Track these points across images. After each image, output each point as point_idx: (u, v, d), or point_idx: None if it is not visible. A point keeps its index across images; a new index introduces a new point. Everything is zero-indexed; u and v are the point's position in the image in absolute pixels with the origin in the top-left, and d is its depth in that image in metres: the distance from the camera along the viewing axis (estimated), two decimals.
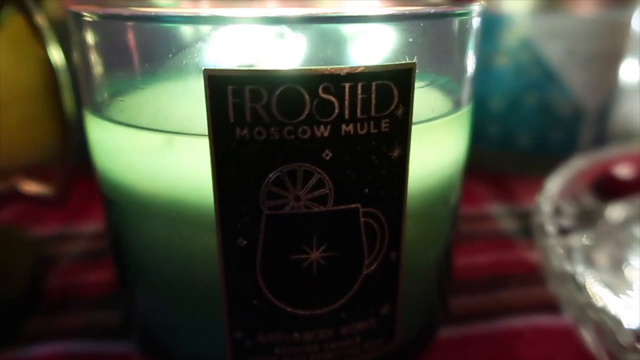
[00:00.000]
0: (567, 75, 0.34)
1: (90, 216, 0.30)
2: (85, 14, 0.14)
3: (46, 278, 0.24)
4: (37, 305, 0.22)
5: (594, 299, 0.17)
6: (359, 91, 0.13)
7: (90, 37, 0.15)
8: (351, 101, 0.13)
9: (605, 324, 0.17)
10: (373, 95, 0.13)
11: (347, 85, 0.13)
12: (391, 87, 0.13)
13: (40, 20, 0.21)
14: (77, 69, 0.16)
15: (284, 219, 0.14)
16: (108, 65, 0.15)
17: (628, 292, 0.21)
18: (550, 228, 0.22)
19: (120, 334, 0.20)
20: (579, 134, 0.36)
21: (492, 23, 0.34)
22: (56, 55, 0.21)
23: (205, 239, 0.14)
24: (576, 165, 0.28)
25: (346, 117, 0.13)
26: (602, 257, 0.24)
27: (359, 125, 0.13)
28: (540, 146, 0.36)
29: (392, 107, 0.13)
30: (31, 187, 0.23)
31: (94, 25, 0.14)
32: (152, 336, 0.18)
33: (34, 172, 0.24)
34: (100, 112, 0.16)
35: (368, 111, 0.13)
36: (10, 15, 0.21)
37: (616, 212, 0.27)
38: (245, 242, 0.14)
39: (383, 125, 0.13)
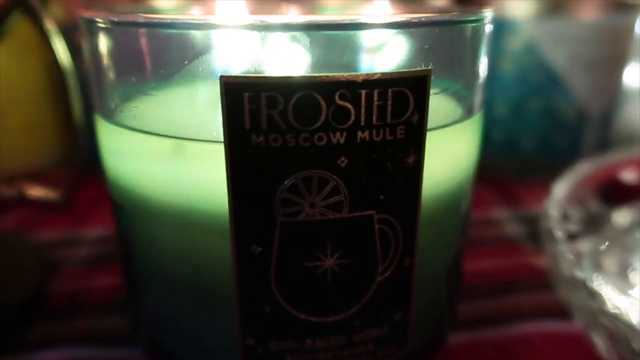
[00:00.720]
0: (571, 80, 0.34)
1: (96, 221, 0.30)
2: (99, 20, 0.14)
3: (52, 283, 0.24)
4: (43, 311, 0.22)
5: (606, 305, 0.17)
6: (375, 98, 0.13)
7: (102, 43, 0.15)
8: (367, 108, 0.13)
9: (619, 330, 0.17)
10: (389, 102, 0.13)
11: (363, 92, 0.13)
12: (407, 94, 0.13)
13: (49, 24, 0.21)
14: (89, 75, 0.16)
15: (298, 226, 0.14)
16: (120, 71, 0.15)
17: (635, 295, 0.21)
18: (559, 234, 0.22)
19: (128, 340, 0.20)
20: (583, 138, 0.36)
21: (497, 28, 0.34)
22: (64, 59, 0.21)
23: (219, 246, 0.14)
24: (582, 170, 0.28)
25: (362, 123, 0.13)
26: (609, 262, 0.24)
27: (374, 132, 0.13)
28: (544, 150, 0.36)
29: (408, 113, 0.13)
30: (37, 192, 0.23)
31: (106, 32, 0.14)
32: (160, 342, 0.18)
33: (40, 176, 0.24)
34: (112, 117, 0.16)
35: (384, 118, 0.13)
36: (19, 20, 0.21)
37: (622, 216, 0.27)
38: (260, 249, 0.14)
39: (399, 131, 0.13)
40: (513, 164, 0.36)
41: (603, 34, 0.34)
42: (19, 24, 0.21)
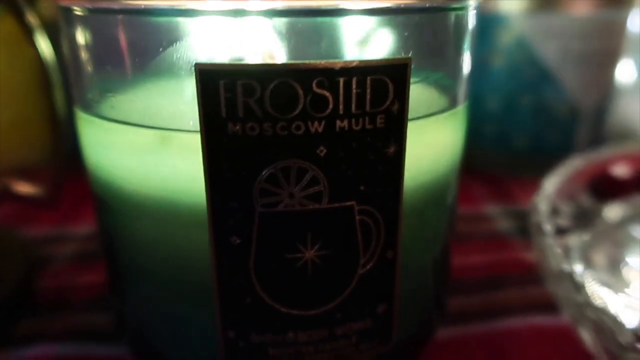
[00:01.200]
0: (563, 75, 0.34)
1: (83, 217, 0.30)
2: (75, 8, 0.14)
3: (38, 279, 0.24)
4: (29, 307, 0.22)
5: (593, 299, 0.17)
6: (354, 86, 0.13)
7: (80, 33, 0.14)
8: (346, 96, 0.13)
9: (605, 324, 0.16)
10: (368, 90, 0.13)
11: (341, 79, 0.12)
12: (386, 82, 0.13)
13: (32, 19, 0.20)
14: (68, 66, 0.16)
15: (277, 217, 0.14)
16: (98, 61, 0.15)
17: (626, 291, 0.21)
18: (548, 228, 0.21)
19: (113, 336, 0.20)
20: (575, 133, 0.36)
21: (488, 23, 0.34)
22: (48, 54, 0.21)
23: (198, 238, 0.14)
24: (573, 165, 0.28)
25: (341, 112, 0.13)
26: (599, 256, 0.24)
27: (353, 120, 0.13)
28: (536, 146, 0.36)
29: (388, 102, 0.13)
30: (23, 188, 0.23)
31: (83, 20, 0.14)
32: (144, 337, 0.18)
33: (25, 172, 0.24)
34: (90, 109, 0.15)
35: (363, 106, 0.13)
36: (1, 14, 0.20)
37: (613, 211, 0.27)
38: (239, 241, 0.14)
39: (378, 121, 0.13)
40: (505, 159, 0.36)
41: (595, 29, 0.33)
42: (1, 19, 0.21)
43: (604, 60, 0.35)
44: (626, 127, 0.40)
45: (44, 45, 0.21)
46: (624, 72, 0.40)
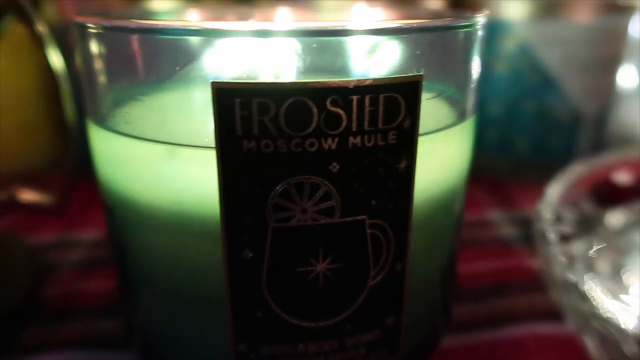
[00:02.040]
0: (565, 81, 0.34)
1: (90, 224, 0.30)
2: (91, 25, 0.14)
3: (45, 286, 0.24)
4: (36, 314, 0.22)
5: (598, 309, 0.17)
6: (367, 104, 0.13)
7: (94, 48, 0.15)
8: (359, 114, 0.13)
9: (610, 333, 0.17)
10: (380, 108, 0.13)
11: (354, 97, 0.13)
12: (398, 100, 0.13)
13: (41, 28, 0.21)
14: (81, 79, 0.16)
15: (290, 232, 0.14)
16: (113, 77, 0.15)
17: (627, 298, 0.21)
18: (552, 236, 0.22)
19: (122, 344, 0.20)
20: (577, 139, 0.36)
21: (491, 29, 0.34)
22: (57, 62, 0.21)
23: (211, 251, 0.14)
24: (575, 171, 0.28)
25: (354, 129, 0.13)
26: (602, 263, 0.24)
27: (366, 137, 0.13)
28: (538, 152, 0.36)
29: (400, 119, 0.13)
30: (30, 196, 0.23)
31: (99, 37, 0.14)
32: (153, 347, 0.18)
33: (33, 180, 0.24)
34: (104, 122, 0.15)
35: (375, 123, 0.13)
36: (11, 23, 0.20)
37: (615, 218, 0.27)
38: (251, 255, 0.14)
39: (390, 137, 0.13)
40: (507, 165, 0.36)
41: (596, 36, 0.34)
42: (11, 27, 0.21)
43: (605, 66, 0.35)
44: (628, 132, 0.40)
45: (53, 54, 0.21)
46: (626, 78, 0.40)
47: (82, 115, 0.17)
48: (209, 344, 0.16)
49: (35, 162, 0.27)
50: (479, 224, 0.30)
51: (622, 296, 0.22)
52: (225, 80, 0.12)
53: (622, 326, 0.17)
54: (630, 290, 0.22)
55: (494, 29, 0.34)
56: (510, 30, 0.34)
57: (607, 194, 0.28)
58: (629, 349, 0.16)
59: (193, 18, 0.22)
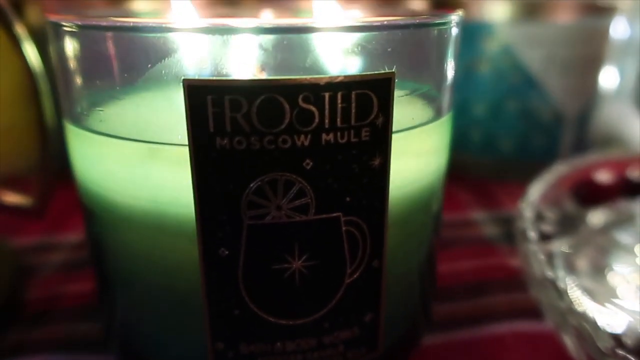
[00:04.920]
0: (547, 82, 0.34)
1: (71, 226, 0.30)
2: (64, 24, 0.14)
3: (26, 289, 0.24)
4: (17, 317, 0.22)
5: (575, 305, 0.17)
6: (339, 100, 0.13)
7: (69, 47, 0.15)
8: (331, 110, 0.13)
9: (585, 330, 0.17)
10: (353, 105, 0.13)
11: (326, 94, 0.13)
12: (371, 96, 0.13)
13: (20, 30, 0.21)
14: (57, 79, 0.16)
15: (265, 229, 0.14)
16: (87, 76, 0.15)
17: (610, 297, 0.22)
18: (532, 234, 0.22)
19: (101, 346, 0.20)
20: (560, 139, 0.36)
21: (473, 30, 0.34)
22: (35, 64, 0.21)
23: (186, 250, 0.14)
24: (557, 171, 0.28)
25: (326, 126, 0.13)
26: (583, 262, 0.24)
27: (339, 134, 0.13)
28: (521, 151, 0.36)
29: (372, 116, 0.13)
30: (10, 198, 0.23)
31: (73, 35, 0.14)
32: (132, 347, 0.18)
33: (12, 182, 0.24)
34: (79, 122, 0.15)
35: (348, 120, 0.13)
36: None
37: (597, 217, 0.28)
38: (227, 252, 0.14)
39: (363, 134, 0.14)
40: (491, 164, 0.37)
41: (578, 37, 0.34)
42: None
43: (587, 66, 0.36)
44: (609, 132, 0.41)
45: (32, 56, 0.21)
46: (607, 78, 0.41)
47: (61, 116, 0.17)
48: (186, 343, 0.16)
49: (14, 164, 0.27)
50: (462, 224, 0.31)
51: (602, 295, 0.22)
52: (196, 78, 0.12)
53: (598, 323, 0.17)
54: (613, 288, 0.22)
55: (477, 30, 0.34)
56: (493, 31, 0.34)
57: (589, 194, 0.29)
58: (605, 345, 0.16)
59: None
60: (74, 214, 0.31)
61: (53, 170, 0.22)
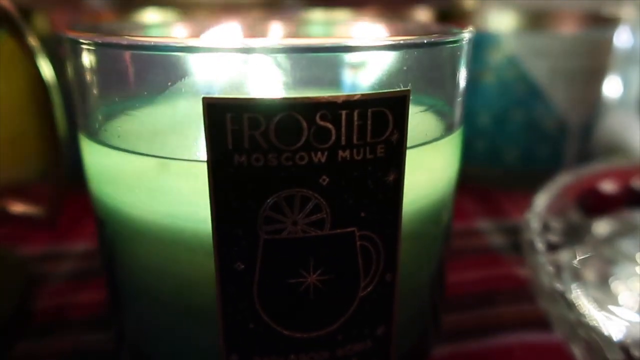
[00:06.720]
0: (552, 92, 0.35)
1: (80, 235, 0.30)
2: (83, 41, 0.14)
3: (35, 299, 0.24)
4: (27, 327, 0.22)
5: (584, 317, 0.18)
6: (355, 118, 0.13)
7: (86, 63, 0.15)
8: (348, 128, 0.13)
9: (595, 341, 0.17)
10: (369, 122, 0.13)
11: (343, 112, 0.13)
12: (386, 114, 0.13)
13: (32, 41, 0.21)
14: (73, 93, 0.16)
15: (281, 244, 0.14)
16: (105, 91, 0.15)
17: (615, 307, 0.22)
18: (540, 245, 0.22)
19: (112, 356, 0.20)
20: (564, 149, 0.36)
21: (479, 41, 0.34)
22: (48, 75, 0.21)
23: (202, 263, 0.14)
24: (562, 181, 0.28)
25: (343, 143, 0.13)
26: (589, 272, 0.24)
27: (355, 151, 0.13)
28: (526, 161, 0.36)
29: (388, 133, 0.14)
30: (20, 208, 0.23)
31: (90, 52, 0.14)
32: (144, 359, 0.18)
33: (23, 191, 0.24)
34: (96, 136, 0.16)
35: (364, 137, 0.13)
36: (3, 36, 0.21)
37: (602, 227, 0.28)
38: (243, 267, 0.14)
39: (379, 150, 0.14)
40: (496, 174, 0.37)
41: (582, 48, 0.34)
42: (2, 41, 0.21)
43: (591, 77, 0.36)
44: (613, 142, 0.41)
45: (44, 66, 0.21)
46: (611, 88, 0.41)
47: (73, 127, 0.17)
48: (200, 355, 0.16)
49: (26, 174, 0.27)
50: (468, 233, 0.31)
51: (608, 305, 0.22)
52: (216, 96, 0.13)
53: (608, 334, 0.17)
54: (619, 298, 0.23)
55: (483, 41, 0.34)
56: (498, 42, 0.34)
57: (594, 203, 0.29)
58: (614, 357, 0.17)
59: (185, 32, 0.22)
60: (82, 223, 0.31)
61: (64, 180, 0.22)
